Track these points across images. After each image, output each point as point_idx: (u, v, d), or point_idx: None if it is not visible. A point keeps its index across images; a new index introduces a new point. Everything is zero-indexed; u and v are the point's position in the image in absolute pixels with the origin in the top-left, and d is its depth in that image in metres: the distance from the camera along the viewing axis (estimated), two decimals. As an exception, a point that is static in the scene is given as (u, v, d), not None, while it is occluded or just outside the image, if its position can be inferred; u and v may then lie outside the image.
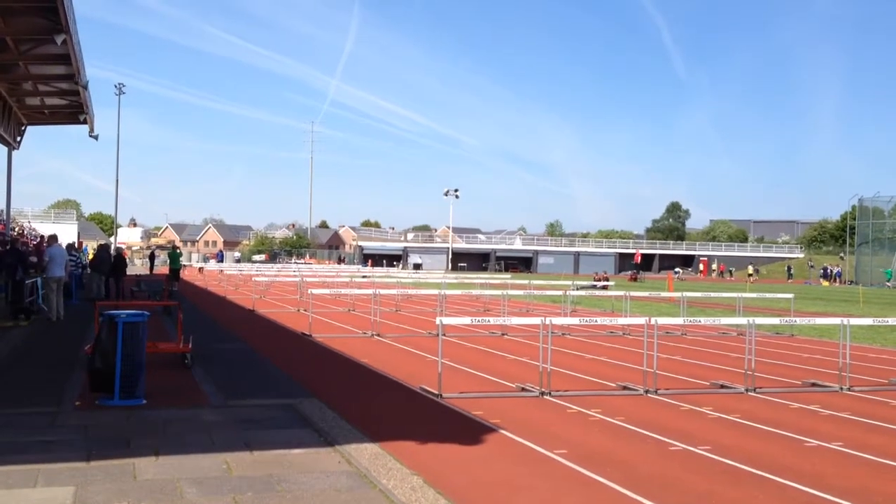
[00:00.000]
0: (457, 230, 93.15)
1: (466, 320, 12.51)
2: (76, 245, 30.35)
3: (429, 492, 5.80)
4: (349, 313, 22.53)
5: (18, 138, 26.62)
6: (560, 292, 25.08)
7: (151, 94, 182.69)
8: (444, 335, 11.01)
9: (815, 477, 6.50)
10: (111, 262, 25.00)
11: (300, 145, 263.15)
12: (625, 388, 10.59)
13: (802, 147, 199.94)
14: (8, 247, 18.69)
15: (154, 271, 46.93)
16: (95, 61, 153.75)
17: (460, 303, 28.35)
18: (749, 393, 10.48)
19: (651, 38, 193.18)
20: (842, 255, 79.97)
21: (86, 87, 20.66)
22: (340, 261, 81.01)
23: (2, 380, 10.16)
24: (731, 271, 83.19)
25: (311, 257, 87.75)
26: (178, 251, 31.77)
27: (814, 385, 11.26)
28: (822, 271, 72.76)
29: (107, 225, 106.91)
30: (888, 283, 60.02)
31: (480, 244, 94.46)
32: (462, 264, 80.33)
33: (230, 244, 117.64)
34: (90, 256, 32.35)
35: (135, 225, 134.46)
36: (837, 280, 69.68)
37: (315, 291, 19.90)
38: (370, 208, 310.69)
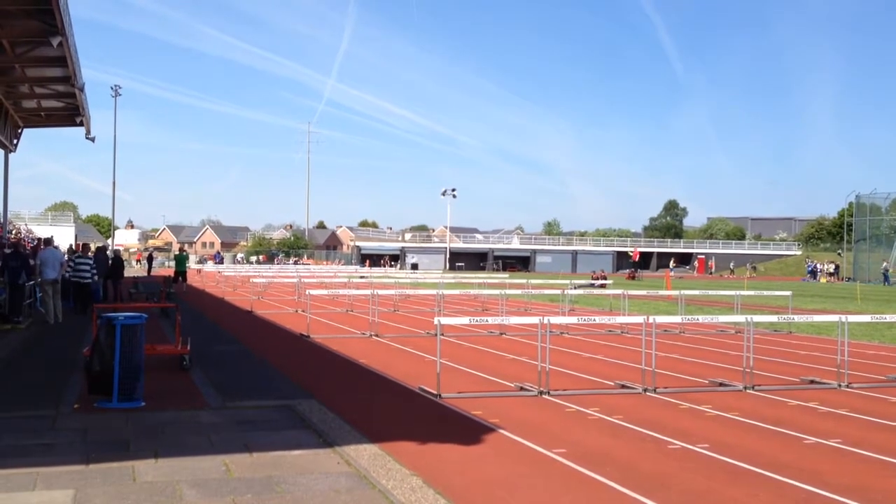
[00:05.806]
0: (454, 230, 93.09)
1: (465, 320, 12.49)
2: (74, 247, 30.23)
3: (428, 492, 5.80)
4: (347, 314, 22.53)
5: (15, 141, 26.61)
6: (558, 291, 25.07)
7: (148, 96, 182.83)
8: (442, 335, 11.01)
9: (814, 474, 6.51)
10: (109, 265, 24.98)
11: (297, 146, 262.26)
12: (623, 386, 10.60)
13: (799, 144, 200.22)
14: (10, 250, 18.61)
15: (152, 273, 46.84)
16: (91, 63, 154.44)
17: (458, 302, 28.36)
18: (747, 390, 10.50)
19: (648, 37, 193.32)
20: (839, 251, 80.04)
21: (82, 90, 20.67)
22: (375, 262, 75.34)
23: (0, 383, 10.15)
24: (731, 269, 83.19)
25: (308, 258, 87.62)
26: (185, 253, 31.69)
27: (812, 382, 11.28)
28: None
29: (104, 227, 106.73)
30: None
31: (478, 244, 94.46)
32: (459, 264, 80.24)
33: (227, 245, 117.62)
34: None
35: (132, 227, 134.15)
36: (834, 276, 69.71)
37: (313, 292, 19.89)
38: (367, 208, 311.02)
